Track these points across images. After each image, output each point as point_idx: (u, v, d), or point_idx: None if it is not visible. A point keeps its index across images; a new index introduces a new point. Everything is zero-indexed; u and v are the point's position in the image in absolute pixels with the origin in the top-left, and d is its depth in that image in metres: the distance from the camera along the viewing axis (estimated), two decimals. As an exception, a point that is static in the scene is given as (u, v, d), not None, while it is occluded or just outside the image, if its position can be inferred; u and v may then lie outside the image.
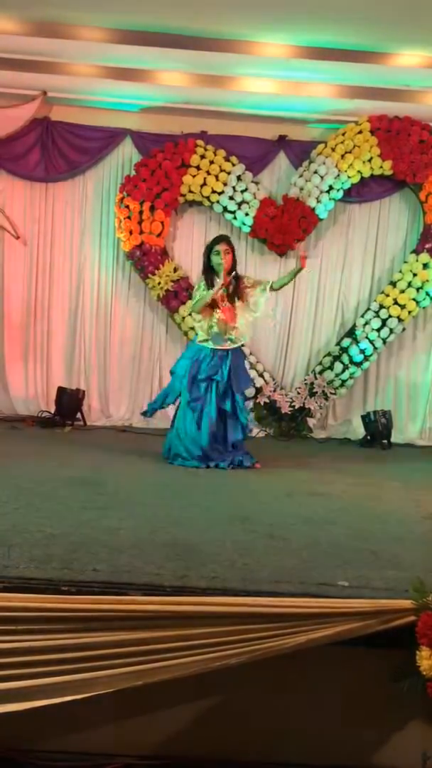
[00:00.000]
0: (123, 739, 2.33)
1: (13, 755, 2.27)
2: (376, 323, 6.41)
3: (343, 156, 6.24)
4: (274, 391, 6.50)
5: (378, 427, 6.17)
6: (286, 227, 6.30)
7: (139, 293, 6.63)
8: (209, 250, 4.71)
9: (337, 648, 2.15)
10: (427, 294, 6.40)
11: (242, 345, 4.89)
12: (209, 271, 4.72)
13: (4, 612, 2.03)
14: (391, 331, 6.43)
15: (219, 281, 4.65)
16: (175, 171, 6.24)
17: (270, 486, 4.19)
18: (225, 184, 6.28)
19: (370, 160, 6.28)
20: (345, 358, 6.46)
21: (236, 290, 4.74)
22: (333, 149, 6.25)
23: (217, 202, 6.34)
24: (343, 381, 6.51)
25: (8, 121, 6.14)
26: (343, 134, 6.27)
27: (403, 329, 6.53)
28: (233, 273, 4.72)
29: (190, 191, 6.32)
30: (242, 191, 6.30)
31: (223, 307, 4.71)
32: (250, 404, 5.96)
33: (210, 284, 4.69)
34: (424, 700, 2.09)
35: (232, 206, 6.33)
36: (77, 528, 2.88)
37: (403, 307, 6.38)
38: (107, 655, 2.04)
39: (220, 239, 4.78)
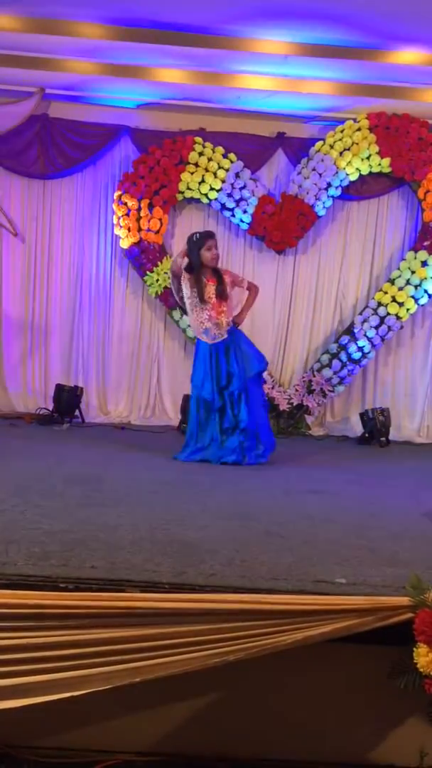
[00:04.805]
0: (121, 735, 2.34)
1: (11, 751, 2.27)
2: (374, 321, 6.41)
3: (341, 153, 6.23)
4: (272, 388, 6.49)
5: (376, 425, 6.17)
6: (284, 224, 6.30)
7: (138, 290, 6.63)
8: (199, 246, 4.70)
9: (335, 645, 2.16)
10: (426, 291, 6.40)
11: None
12: (196, 267, 4.71)
13: (2, 609, 2.03)
14: (390, 328, 6.44)
15: (205, 279, 4.70)
16: (174, 168, 6.24)
17: (268, 483, 4.19)
18: (223, 182, 6.27)
19: (368, 158, 6.27)
20: (343, 356, 6.46)
21: (223, 285, 4.76)
22: (331, 146, 6.25)
23: (216, 199, 6.34)
24: (341, 378, 6.51)
25: (6, 118, 6.13)
26: (342, 131, 6.26)
27: (401, 327, 6.53)
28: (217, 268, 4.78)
29: (189, 188, 6.32)
30: (240, 188, 6.29)
31: (213, 303, 4.73)
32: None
33: (199, 281, 4.70)
34: (421, 697, 2.10)
35: (230, 203, 6.33)
36: (75, 525, 2.88)
37: (401, 304, 6.38)
38: (105, 652, 2.04)
39: (210, 235, 4.80)
